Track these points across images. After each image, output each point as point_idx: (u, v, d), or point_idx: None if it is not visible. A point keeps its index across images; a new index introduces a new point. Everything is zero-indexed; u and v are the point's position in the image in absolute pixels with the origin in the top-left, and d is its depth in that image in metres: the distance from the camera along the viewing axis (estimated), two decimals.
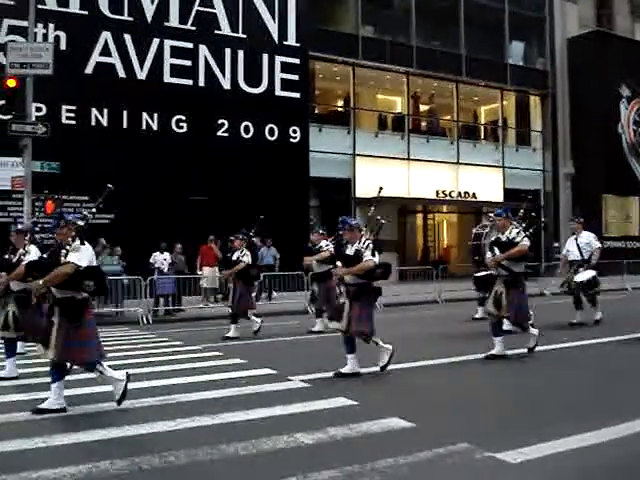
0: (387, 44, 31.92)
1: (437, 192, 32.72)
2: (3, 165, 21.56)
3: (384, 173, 30.81)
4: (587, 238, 14.33)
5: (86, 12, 24.28)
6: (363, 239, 8.97)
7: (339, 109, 33.12)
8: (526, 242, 9.92)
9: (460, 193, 33.25)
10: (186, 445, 5.59)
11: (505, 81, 35.19)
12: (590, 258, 14.03)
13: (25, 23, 19.17)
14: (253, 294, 15.07)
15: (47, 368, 7.32)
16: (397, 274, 27.01)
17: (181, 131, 25.81)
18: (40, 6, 20.90)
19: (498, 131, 36.32)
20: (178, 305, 19.13)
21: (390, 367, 8.97)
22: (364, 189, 30.12)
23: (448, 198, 33.20)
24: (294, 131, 28.11)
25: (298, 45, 28.31)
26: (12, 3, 22.29)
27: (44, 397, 7.12)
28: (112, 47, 24.61)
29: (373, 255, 8.82)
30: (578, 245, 14.21)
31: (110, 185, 7.84)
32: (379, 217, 9.44)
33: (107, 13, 24.66)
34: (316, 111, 31.29)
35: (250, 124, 27.07)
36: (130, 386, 7.81)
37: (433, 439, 5.62)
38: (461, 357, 9.87)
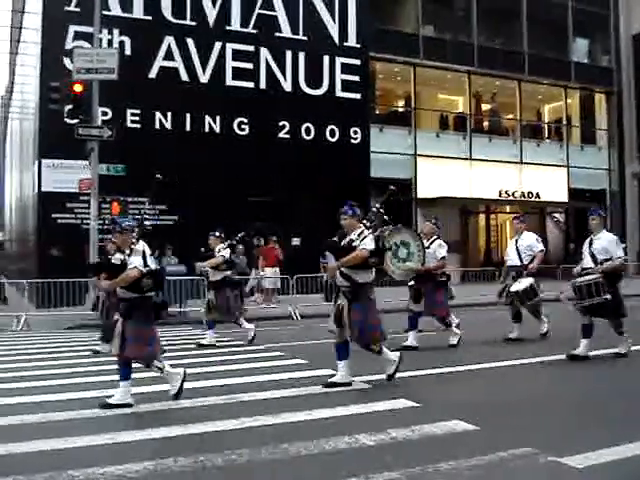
0: (448, 43, 31.70)
1: (500, 192, 32.34)
2: (71, 168, 22.17)
3: (445, 173, 30.65)
4: (528, 240, 12.33)
5: (150, 17, 24.73)
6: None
7: (400, 109, 33.01)
8: (367, 246, 8.04)
9: (523, 193, 32.81)
10: (249, 444, 5.63)
11: (569, 79, 34.59)
12: (529, 263, 12.04)
13: (91, 29, 19.58)
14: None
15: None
16: (459, 275, 26.77)
17: (243, 133, 26.06)
18: (105, 12, 21.37)
19: (562, 130, 35.72)
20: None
21: (453, 369, 8.88)
22: (426, 189, 30.02)
23: (511, 198, 32.79)
24: (355, 132, 28.13)
25: (358, 46, 28.32)
26: (78, 10, 22.85)
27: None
28: (175, 51, 25.01)
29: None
30: (517, 249, 12.28)
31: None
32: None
33: (170, 18, 25.07)
34: (377, 112, 31.29)
35: (311, 125, 27.18)
36: (194, 385, 7.94)
37: (496, 442, 5.55)
38: (523, 360, 9.72)
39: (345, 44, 28.17)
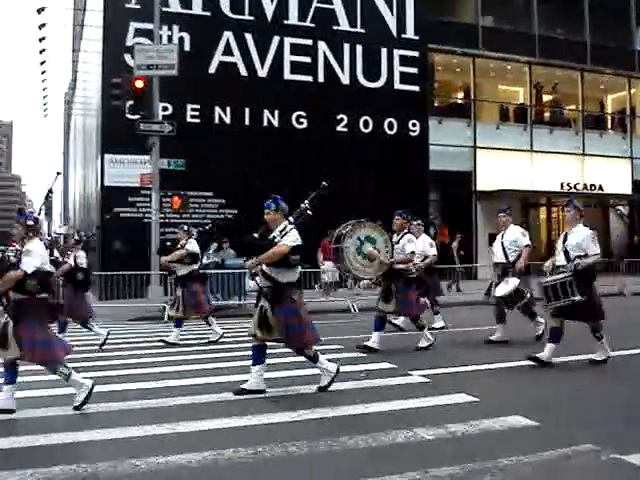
0: (508, 33, 31.29)
1: (562, 184, 31.83)
2: (132, 163, 22.56)
3: (506, 165, 30.29)
4: (513, 235, 11.25)
5: (209, 13, 24.98)
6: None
7: (459, 101, 32.74)
8: (287, 242, 7.46)
9: (586, 185, 32.24)
10: (307, 436, 5.66)
11: (633, 68, 33.81)
12: (516, 261, 10.99)
13: (151, 26, 19.87)
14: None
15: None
16: None
17: (301, 127, 26.15)
18: (165, 9, 21.65)
19: (626, 120, 34.90)
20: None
21: (513, 364, 8.78)
22: (485, 182, 29.71)
23: (573, 190, 32.18)
24: (413, 124, 27.99)
25: (417, 38, 28.15)
26: (138, 7, 23.21)
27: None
28: (234, 46, 25.22)
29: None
30: (502, 244, 11.25)
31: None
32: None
33: (229, 13, 25.28)
34: (435, 104, 31.08)
35: (369, 118, 27.13)
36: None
37: (556, 438, 5.47)
38: (585, 355, 9.54)
39: (403, 36, 28.02)
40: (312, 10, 26.57)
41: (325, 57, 26.82)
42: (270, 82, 25.69)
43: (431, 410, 6.63)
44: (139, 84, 18.25)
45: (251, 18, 25.70)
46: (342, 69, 27.06)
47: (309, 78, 26.50)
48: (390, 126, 27.57)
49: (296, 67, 26.29)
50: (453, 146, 29.61)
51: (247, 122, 25.52)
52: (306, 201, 8.19)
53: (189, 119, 24.42)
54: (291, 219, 7.81)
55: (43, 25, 33.22)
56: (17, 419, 6.53)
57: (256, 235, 7.71)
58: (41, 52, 39.53)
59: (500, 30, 31.38)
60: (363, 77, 27.33)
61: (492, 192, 29.20)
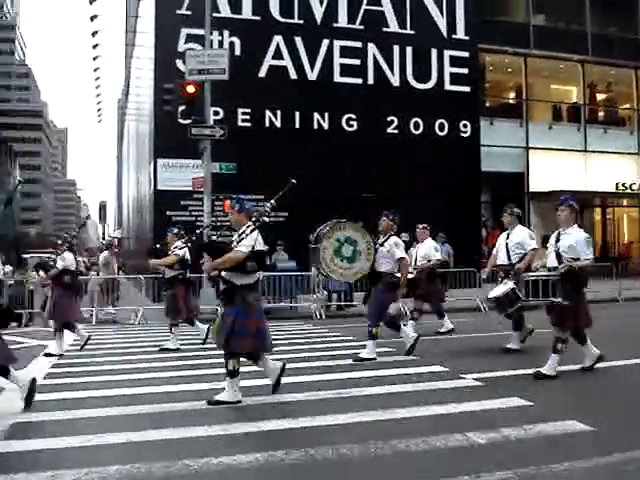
0: (560, 32, 30.90)
1: (616, 185, 31.28)
2: (184, 167, 22.83)
3: (559, 166, 29.88)
4: (518, 236, 10.53)
5: (259, 17, 25.14)
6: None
7: (511, 101, 32.42)
8: (242, 248, 7.14)
9: None
10: (358, 439, 5.64)
11: None
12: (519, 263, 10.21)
13: (202, 31, 20.08)
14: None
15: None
16: None
17: (351, 129, 26.16)
18: (215, 14, 21.84)
19: None
20: (349, 301, 19.36)
21: (567, 368, 8.64)
22: (538, 183, 29.36)
23: (629, 191, 31.61)
24: (464, 125, 27.76)
25: (467, 38, 27.93)
26: (189, 13, 23.48)
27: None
28: (284, 50, 25.34)
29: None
30: (507, 245, 10.61)
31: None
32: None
33: (278, 17, 25.42)
34: (487, 104, 30.82)
35: (420, 120, 27.01)
36: (306, 379, 8.05)
37: (612, 444, 5.36)
38: (636, 359, 9.34)
39: (453, 36, 27.83)
40: (361, 12, 26.56)
41: (375, 59, 26.78)
42: (320, 85, 25.76)
43: (484, 414, 6.56)
44: (191, 89, 18.46)
45: (301, 22, 25.80)
46: (392, 71, 26.99)
47: (359, 80, 26.49)
48: (441, 127, 27.41)
49: (346, 70, 26.31)
50: (505, 147, 29.34)
51: (297, 125, 25.62)
52: (272, 200, 7.75)
53: (240, 123, 24.61)
54: (253, 219, 7.51)
55: (96, 32, 33.85)
56: (68, 419, 6.65)
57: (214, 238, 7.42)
58: (94, 59, 40.29)
59: (552, 29, 30.99)
60: (413, 78, 27.22)
61: (545, 193, 28.80)
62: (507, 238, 10.67)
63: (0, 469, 5.06)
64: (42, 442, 5.83)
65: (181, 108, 19.41)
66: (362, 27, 26.55)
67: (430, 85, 27.45)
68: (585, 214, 32.64)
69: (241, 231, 7.33)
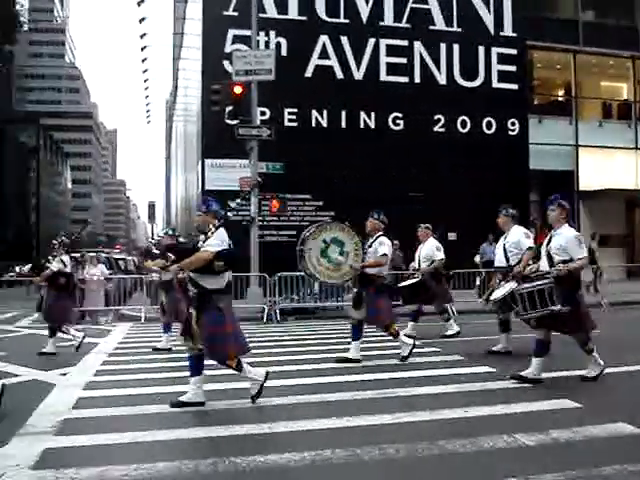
0: (609, 28, 30.34)
1: None
2: (231, 167, 22.99)
3: (609, 164, 29.44)
4: (514, 236, 10.21)
5: (305, 18, 25.23)
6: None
7: (560, 99, 31.99)
8: (210, 247, 7.01)
9: None
10: (405, 439, 5.63)
11: None
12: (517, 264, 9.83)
13: (248, 32, 20.21)
14: None
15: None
16: (625, 271, 25.63)
17: (397, 128, 26.10)
18: (262, 15, 21.97)
19: None
20: (396, 301, 19.29)
21: (617, 369, 8.50)
22: (588, 181, 28.93)
23: None
24: (512, 123, 27.51)
25: (515, 35, 27.67)
26: (236, 14, 23.66)
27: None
28: (330, 50, 25.39)
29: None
30: (504, 246, 10.24)
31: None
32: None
33: (324, 17, 25.47)
34: (535, 102, 30.45)
35: (467, 118, 26.85)
36: (353, 378, 8.06)
37: None
38: None
39: (501, 34, 27.57)
40: (407, 11, 26.48)
41: (421, 57, 26.67)
42: (366, 84, 25.74)
43: (532, 415, 6.49)
44: (238, 90, 18.59)
45: (346, 21, 25.81)
46: (439, 69, 26.85)
47: (405, 79, 26.42)
48: (488, 126, 27.18)
49: (392, 68, 26.25)
50: (554, 145, 28.94)
51: (343, 124, 25.64)
52: (237, 199, 7.60)
53: (287, 123, 24.73)
54: (216, 220, 7.34)
55: (144, 34, 34.29)
56: (117, 416, 6.75)
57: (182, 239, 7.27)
58: (143, 61, 40.81)
59: (601, 25, 30.48)
60: (460, 76, 27.04)
61: (595, 192, 28.36)
62: (504, 239, 10.33)
63: (51, 464, 5.16)
64: (91, 438, 5.95)
65: (228, 108, 19.56)
66: (408, 25, 26.47)
67: (477, 83, 27.24)
68: (636, 213, 32.10)
69: (208, 231, 7.22)
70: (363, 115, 25.86)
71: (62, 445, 5.77)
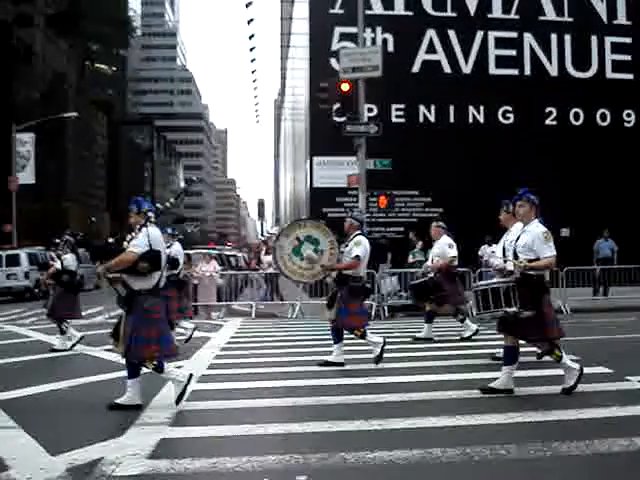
0: None
1: None
2: (339, 164, 23.13)
3: None
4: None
5: (411, 13, 25.11)
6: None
7: None
8: (134, 248, 6.87)
9: None
10: (516, 439, 5.53)
11: None
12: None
13: (355, 29, 20.25)
14: None
15: None
16: None
17: (507, 122, 25.65)
18: (368, 12, 21.97)
19: None
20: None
21: None
22: None
23: None
24: (628, 115, 26.57)
25: (629, 23, 26.68)
26: (342, 12, 23.77)
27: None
28: (437, 44, 25.18)
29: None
30: (503, 244, 8.65)
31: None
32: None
33: (431, 11, 25.28)
34: None
35: (580, 110, 26.09)
36: (457, 377, 7.97)
37: None
38: None
39: (614, 22, 26.63)
40: (516, 1, 25.95)
41: (531, 49, 26.09)
42: (475, 78, 25.39)
43: None
44: (345, 87, 18.66)
45: (454, 14, 25.52)
46: (550, 60, 26.19)
47: (515, 72, 25.90)
48: (603, 117, 26.33)
49: (501, 61, 25.79)
50: None
51: (452, 120, 25.39)
52: (172, 199, 7.33)
53: (394, 119, 24.69)
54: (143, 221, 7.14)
55: (253, 36, 34.88)
56: (229, 409, 6.91)
57: (111, 239, 7.25)
58: (252, 61, 41.47)
59: None
60: (572, 67, 26.29)
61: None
62: (505, 238, 9.67)
63: (166, 454, 5.34)
64: (205, 430, 6.13)
65: (336, 106, 19.70)
66: (517, 17, 25.94)
67: (590, 74, 26.41)
68: None
69: (136, 232, 7.10)
70: (472, 109, 25.52)
71: (177, 436, 5.97)
